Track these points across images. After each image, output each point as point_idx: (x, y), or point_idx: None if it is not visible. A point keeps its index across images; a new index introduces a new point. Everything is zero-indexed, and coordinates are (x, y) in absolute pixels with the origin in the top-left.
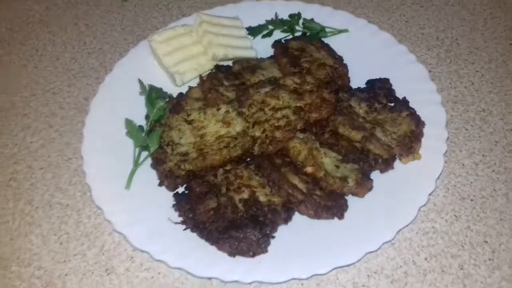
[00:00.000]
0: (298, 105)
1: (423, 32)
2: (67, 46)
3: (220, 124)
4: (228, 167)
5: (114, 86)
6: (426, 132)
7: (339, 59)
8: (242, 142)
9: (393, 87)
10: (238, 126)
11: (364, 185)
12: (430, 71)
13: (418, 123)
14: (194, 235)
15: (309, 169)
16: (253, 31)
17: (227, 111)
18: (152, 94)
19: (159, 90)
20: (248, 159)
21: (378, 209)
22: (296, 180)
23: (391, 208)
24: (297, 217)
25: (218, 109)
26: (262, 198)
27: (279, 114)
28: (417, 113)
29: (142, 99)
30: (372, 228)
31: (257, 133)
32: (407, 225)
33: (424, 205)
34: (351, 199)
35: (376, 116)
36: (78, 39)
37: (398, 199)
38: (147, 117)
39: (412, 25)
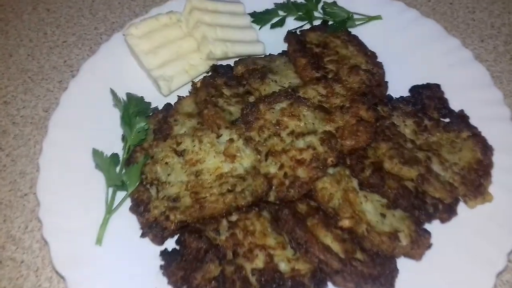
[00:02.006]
0: (327, 129)
1: (473, 17)
2: (23, 39)
3: (221, 157)
4: (233, 217)
5: (80, 97)
6: (496, 161)
7: (372, 56)
8: (253, 185)
9: (445, 96)
10: (246, 159)
11: (421, 243)
12: (487, 69)
13: (486, 149)
14: None
15: (346, 223)
16: (259, 18)
17: (231, 139)
18: (130, 108)
19: (139, 100)
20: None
21: (439, 276)
22: (328, 239)
23: (457, 274)
24: None
25: (219, 136)
26: (283, 266)
27: (301, 143)
28: (481, 133)
29: (117, 113)
30: None
31: (272, 169)
32: None
33: (504, 270)
34: (402, 262)
35: (427, 138)
36: (37, 28)
37: (466, 261)
38: (124, 138)
39: (459, 8)
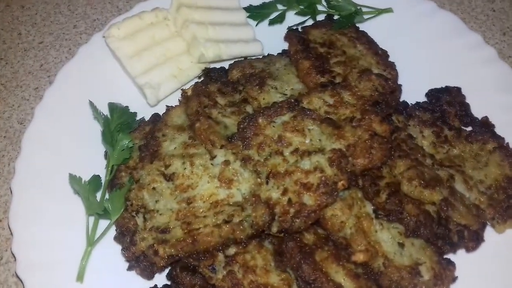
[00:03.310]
0: (337, 147)
1: (493, 7)
2: None
3: (216, 181)
4: (230, 250)
5: (56, 108)
6: None
7: (384, 55)
8: (253, 216)
9: (467, 100)
10: (244, 184)
11: (445, 276)
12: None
13: None
14: None
15: (360, 257)
16: (255, 13)
17: (226, 161)
18: (113, 122)
19: (124, 111)
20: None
21: None
22: (340, 275)
23: None
24: None
25: (212, 157)
26: None
27: (307, 163)
28: (509, 144)
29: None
30: None
31: (275, 194)
32: None
33: None
34: None
35: (448, 151)
36: (10, 28)
37: None
38: (106, 156)
39: None
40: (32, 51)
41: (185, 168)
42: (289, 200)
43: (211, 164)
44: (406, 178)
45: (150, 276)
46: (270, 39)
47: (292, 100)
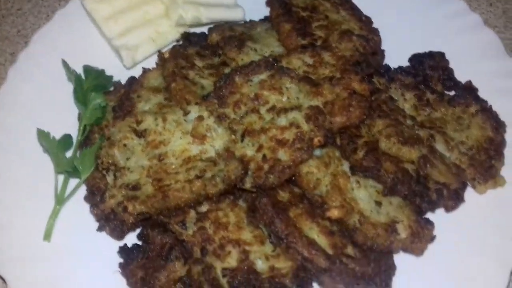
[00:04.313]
0: (314, 104)
1: None
2: None
3: (189, 137)
4: (203, 207)
5: (31, 71)
6: (509, 140)
7: (367, 22)
8: (226, 170)
9: (450, 65)
10: (217, 140)
11: (423, 235)
12: None
13: (497, 125)
14: None
15: (334, 213)
16: None
17: (200, 117)
18: (87, 82)
19: (99, 73)
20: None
21: (444, 273)
22: (314, 232)
23: (465, 271)
24: None
25: (186, 114)
26: (260, 265)
27: (283, 120)
28: (492, 107)
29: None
30: None
31: (249, 151)
32: None
33: None
34: (401, 258)
35: (430, 114)
36: None
37: (475, 255)
38: (80, 118)
39: None
40: (10, 17)
41: (157, 125)
42: (264, 156)
43: (184, 120)
44: (384, 135)
45: (120, 236)
46: (252, 5)
47: (270, 59)
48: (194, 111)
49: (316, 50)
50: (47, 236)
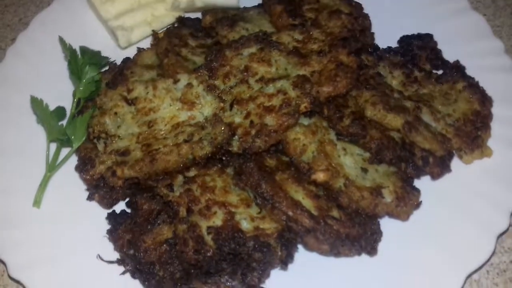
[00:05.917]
0: (302, 73)
1: None
2: None
3: (178, 104)
4: (191, 173)
5: (28, 51)
6: (495, 113)
7: (357, 6)
8: (213, 133)
9: (439, 47)
10: (206, 107)
11: (408, 201)
12: None
13: (484, 99)
14: (136, 283)
15: (320, 176)
16: None
17: (189, 84)
18: (83, 59)
19: (95, 54)
20: (224, 158)
21: (429, 239)
22: (299, 195)
23: (450, 237)
24: (302, 255)
25: (176, 81)
26: (245, 225)
27: (271, 88)
28: (479, 84)
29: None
30: (426, 273)
31: (238, 119)
32: (479, 268)
33: (505, 231)
34: (387, 224)
35: (417, 90)
36: None
37: (461, 222)
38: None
39: None
40: (12, 6)
41: (147, 92)
42: (251, 122)
43: (174, 88)
44: (370, 102)
45: (109, 205)
46: None
47: (260, 34)
48: (184, 79)
49: (305, 27)
50: (37, 202)
